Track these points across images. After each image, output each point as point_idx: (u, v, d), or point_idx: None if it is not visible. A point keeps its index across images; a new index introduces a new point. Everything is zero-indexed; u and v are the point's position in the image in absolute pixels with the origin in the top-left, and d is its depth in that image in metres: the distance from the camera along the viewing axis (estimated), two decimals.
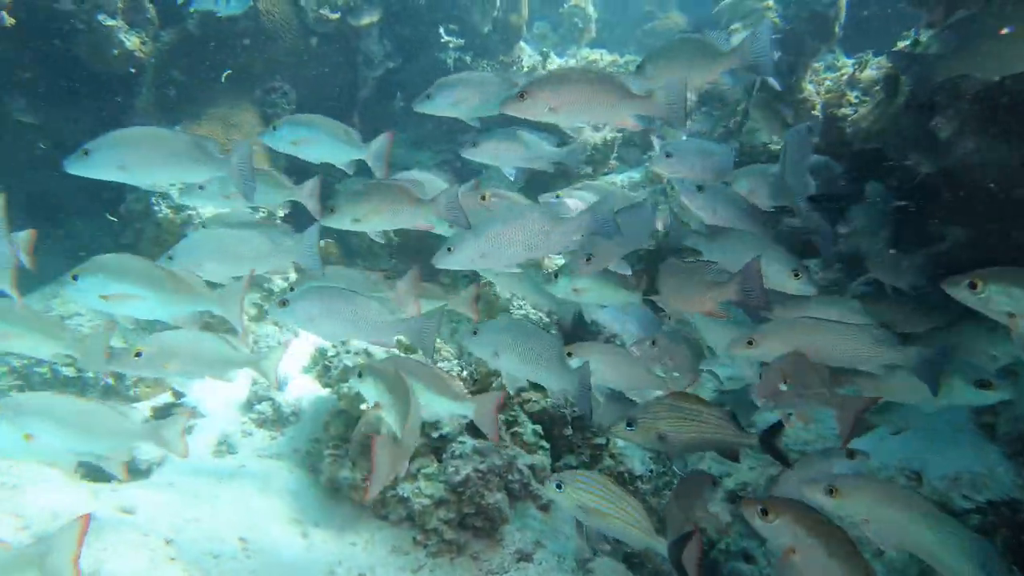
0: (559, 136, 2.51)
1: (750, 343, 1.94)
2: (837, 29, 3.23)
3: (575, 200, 2.44)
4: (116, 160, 1.93)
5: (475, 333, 2.05)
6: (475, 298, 2.50)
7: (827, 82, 3.16)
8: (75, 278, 1.88)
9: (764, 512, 1.63)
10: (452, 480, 2.37)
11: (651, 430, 1.95)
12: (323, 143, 2.30)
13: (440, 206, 2.09)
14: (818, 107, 3.23)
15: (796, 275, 2.01)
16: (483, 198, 2.39)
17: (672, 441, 1.95)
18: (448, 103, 2.24)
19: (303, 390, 3.27)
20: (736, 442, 1.95)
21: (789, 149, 2.33)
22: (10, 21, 3.16)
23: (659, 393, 2.15)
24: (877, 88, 2.69)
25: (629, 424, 1.97)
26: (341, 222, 2.12)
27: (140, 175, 1.98)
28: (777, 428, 1.96)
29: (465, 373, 2.84)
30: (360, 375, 2.00)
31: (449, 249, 1.93)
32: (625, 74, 2.02)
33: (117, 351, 2.13)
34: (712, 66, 2.13)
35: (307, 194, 2.34)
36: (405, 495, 2.43)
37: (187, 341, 2.16)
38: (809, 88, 3.21)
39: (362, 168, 2.48)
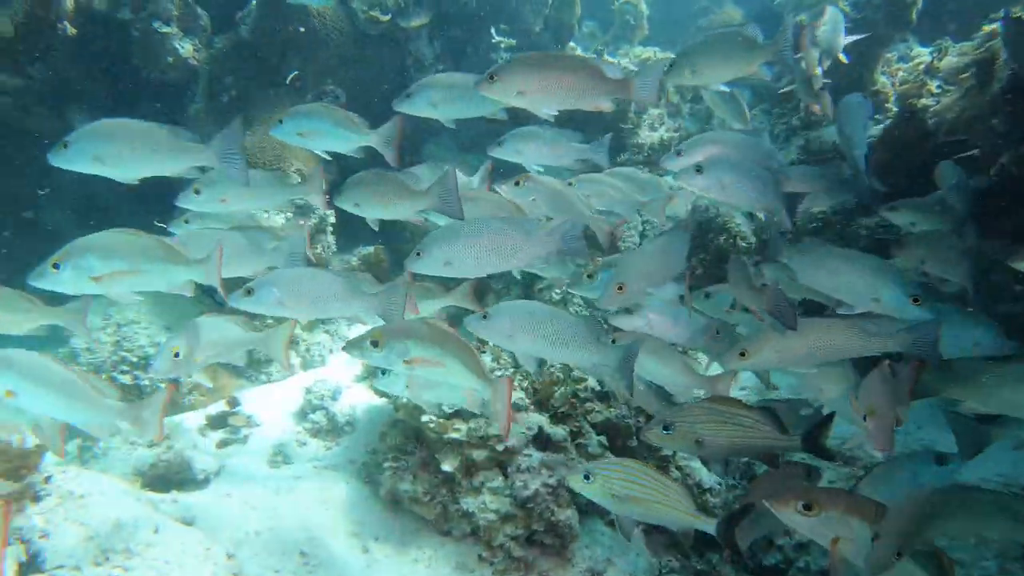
0: (587, 134, 2.46)
1: (742, 354, 1.89)
2: (914, 16, 3.05)
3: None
4: (91, 151, 1.87)
5: (485, 317, 1.93)
6: (473, 291, 2.46)
7: (901, 72, 2.98)
8: (56, 267, 1.73)
9: (807, 507, 1.51)
10: (520, 495, 2.27)
11: (688, 435, 1.85)
12: (329, 132, 2.25)
13: (433, 197, 2.08)
14: (892, 99, 3.06)
15: (916, 301, 1.83)
16: (517, 183, 2.37)
17: (710, 446, 1.85)
18: (426, 103, 2.21)
19: (357, 399, 3.21)
20: (777, 445, 1.83)
21: (844, 115, 2.30)
22: (72, 31, 3.18)
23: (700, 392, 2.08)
24: (964, 76, 2.52)
25: (666, 428, 1.87)
26: (345, 204, 2.18)
27: (116, 166, 1.91)
28: (821, 427, 1.83)
29: (526, 383, 2.74)
30: (375, 344, 1.81)
31: (418, 253, 1.91)
32: (603, 61, 1.99)
33: (155, 358, 2.06)
34: (749, 59, 2.14)
35: (311, 190, 2.29)
36: (469, 510, 2.34)
37: (207, 331, 2.10)
38: (882, 80, 3.04)
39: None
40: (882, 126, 2.96)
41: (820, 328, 1.85)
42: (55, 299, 1.95)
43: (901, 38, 3.15)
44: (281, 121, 2.24)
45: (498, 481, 2.37)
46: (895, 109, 2.94)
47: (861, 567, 1.52)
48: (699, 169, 2.06)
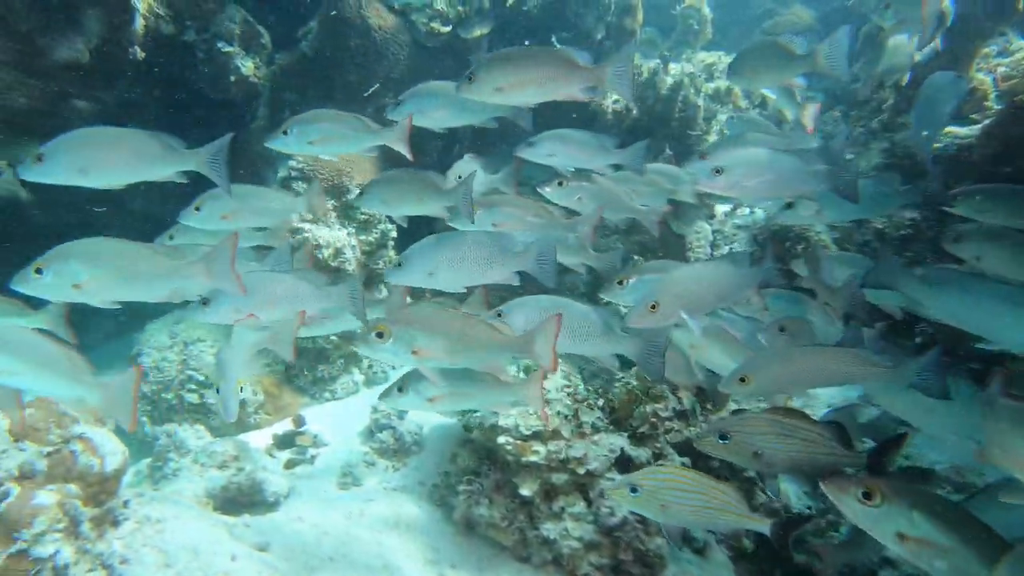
0: (621, 137, 2.44)
1: (742, 380, 1.85)
2: (1021, 4, 2.83)
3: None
4: (75, 163, 1.82)
5: (499, 316, 1.92)
6: (486, 300, 2.42)
7: (1002, 68, 2.78)
8: (39, 272, 1.65)
9: (867, 495, 1.38)
10: (606, 522, 2.15)
11: (745, 446, 1.76)
12: (339, 137, 2.21)
13: (456, 195, 2.17)
14: (991, 96, 2.86)
15: None
16: (560, 183, 2.37)
17: (768, 460, 1.76)
18: (419, 111, 2.21)
19: (423, 418, 3.13)
20: (841, 462, 1.72)
21: (923, 95, 2.25)
22: (141, 55, 3.22)
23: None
24: None
25: (722, 437, 1.78)
26: (371, 204, 2.24)
27: (102, 176, 1.86)
28: (889, 447, 1.72)
29: (601, 401, 2.62)
30: (380, 335, 1.72)
31: (399, 264, 1.94)
32: (575, 50, 2.03)
33: (222, 405, 2.01)
34: (786, 69, 2.22)
35: (311, 206, 2.27)
36: (550, 536, 2.22)
37: (249, 346, 2.08)
38: (979, 76, 2.84)
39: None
40: (980, 125, 2.76)
41: (821, 355, 1.84)
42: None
43: (999, 31, 2.94)
44: (286, 132, 2.17)
45: (580, 506, 2.25)
46: (995, 107, 2.74)
47: None
48: (718, 171, 2.02)
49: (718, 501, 1.73)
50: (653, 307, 1.86)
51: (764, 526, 1.71)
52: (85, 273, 1.68)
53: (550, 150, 2.34)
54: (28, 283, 1.68)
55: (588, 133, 2.36)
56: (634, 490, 1.76)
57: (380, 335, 1.72)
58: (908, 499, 1.36)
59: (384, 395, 1.95)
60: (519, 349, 1.77)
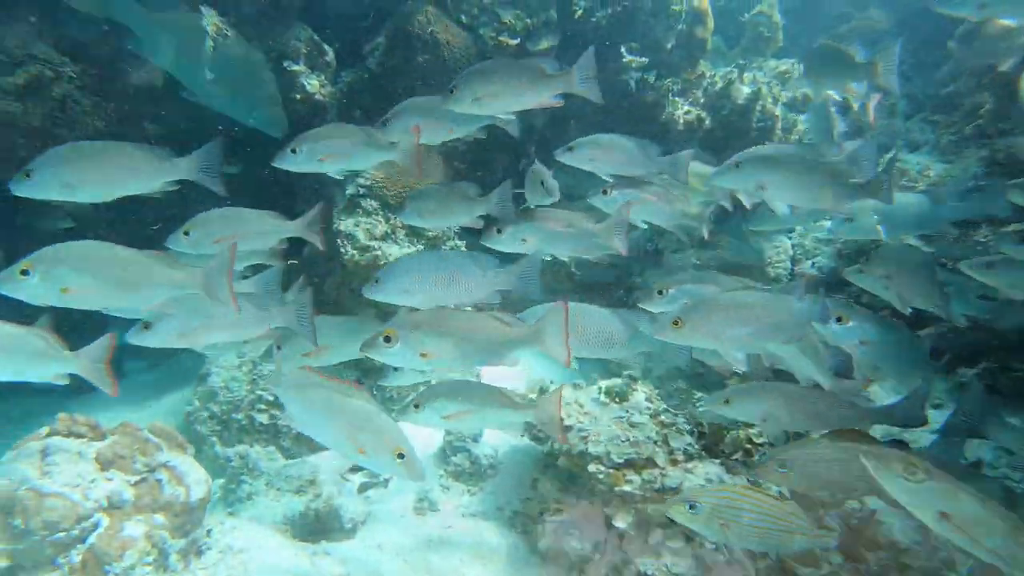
0: (665, 145, 2.41)
1: (726, 402, 1.95)
2: None
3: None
4: (60, 178, 1.80)
5: None
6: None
7: None
8: (25, 273, 1.58)
9: (910, 471, 1.36)
10: (712, 559, 2.01)
11: (813, 476, 1.72)
12: (348, 153, 2.19)
13: (491, 202, 2.22)
14: None
15: None
16: (604, 192, 2.35)
17: (831, 486, 1.73)
18: (404, 129, 2.20)
19: (498, 439, 3.03)
20: None
21: None
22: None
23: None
24: None
25: (782, 467, 1.73)
26: (409, 218, 2.31)
27: (88, 191, 1.85)
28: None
29: (690, 425, 2.49)
30: (388, 340, 1.69)
31: (377, 280, 1.93)
32: (545, 60, 2.12)
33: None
34: (849, 75, 2.30)
35: (306, 227, 2.23)
36: (648, 572, 2.09)
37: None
38: None
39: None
40: None
41: (805, 397, 1.89)
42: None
43: None
44: (295, 151, 2.14)
45: (679, 541, 2.12)
46: None
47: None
48: (737, 165, 2.03)
49: (784, 522, 1.65)
50: (676, 323, 1.82)
51: (830, 541, 1.66)
52: (75, 278, 1.61)
53: (591, 155, 2.32)
54: (11, 284, 1.59)
55: (630, 138, 2.34)
56: (693, 507, 1.68)
57: (388, 340, 1.70)
58: (951, 478, 1.35)
59: (401, 412, 1.93)
60: (530, 341, 1.75)
